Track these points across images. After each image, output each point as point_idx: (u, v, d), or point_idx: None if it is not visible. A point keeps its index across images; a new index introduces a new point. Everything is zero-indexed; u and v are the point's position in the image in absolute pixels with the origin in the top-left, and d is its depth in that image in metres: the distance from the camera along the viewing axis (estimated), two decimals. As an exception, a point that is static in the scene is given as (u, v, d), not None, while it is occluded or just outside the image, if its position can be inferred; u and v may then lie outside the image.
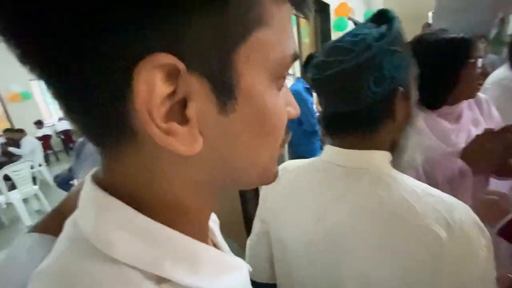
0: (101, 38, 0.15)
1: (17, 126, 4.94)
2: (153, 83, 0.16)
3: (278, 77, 0.21)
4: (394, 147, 0.47)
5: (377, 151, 0.45)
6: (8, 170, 2.99)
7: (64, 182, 2.02)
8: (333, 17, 3.14)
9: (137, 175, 0.20)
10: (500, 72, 1.10)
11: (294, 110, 0.26)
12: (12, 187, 3.12)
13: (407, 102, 0.44)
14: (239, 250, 0.57)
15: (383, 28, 0.42)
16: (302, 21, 2.90)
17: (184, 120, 0.18)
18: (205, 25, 0.17)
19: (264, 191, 0.58)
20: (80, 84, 0.17)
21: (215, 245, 0.31)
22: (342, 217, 0.43)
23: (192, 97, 0.18)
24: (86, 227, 0.20)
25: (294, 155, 2.27)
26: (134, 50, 0.16)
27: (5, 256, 0.37)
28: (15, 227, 3.09)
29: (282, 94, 0.23)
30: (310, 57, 2.34)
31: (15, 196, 3.01)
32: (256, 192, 1.52)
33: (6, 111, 5.92)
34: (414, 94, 0.46)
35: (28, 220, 3.01)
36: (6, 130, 4.47)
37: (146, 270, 0.19)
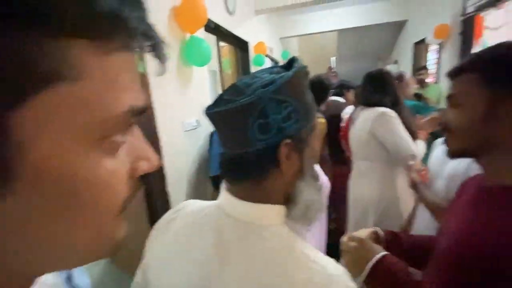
0: None
1: None
2: None
3: (106, 138, 0.17)
4: (287, 201, 0.45)
5: (266, 205, 0.42)
6: None
7: None
8: (252, 53, 3.39)
9: None
10: None
11: (148, 163, 0.21)
12: None
13: (298, 155, 0.42)
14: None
15: (278, 76, 0.40)
16: (224, 52, 3.02)
17: None
18: None
19: (154, 233, 0.51)
20: None
21: None
22: (226, 284, 0.40)
23: None
24: None
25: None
26: None
27: None
28: None
29: (128, 150, 0.20)
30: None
31: None
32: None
33: None
34: (311, 149, 0.45)
35: None
36: None
37: None
